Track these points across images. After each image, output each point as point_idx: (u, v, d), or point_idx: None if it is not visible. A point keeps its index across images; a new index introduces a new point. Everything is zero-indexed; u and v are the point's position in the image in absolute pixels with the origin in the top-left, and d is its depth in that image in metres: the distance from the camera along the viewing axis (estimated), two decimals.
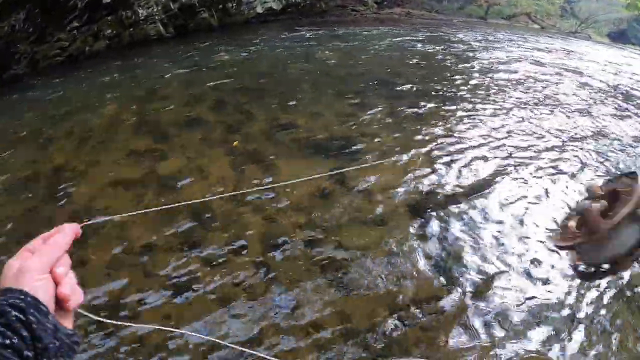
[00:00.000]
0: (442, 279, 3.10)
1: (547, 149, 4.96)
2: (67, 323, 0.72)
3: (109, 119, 6.13)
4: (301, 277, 3.04)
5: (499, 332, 2.74)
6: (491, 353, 2.61)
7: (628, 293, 3.12)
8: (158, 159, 4.67)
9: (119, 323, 2.48)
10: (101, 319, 0.92)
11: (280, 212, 3.66)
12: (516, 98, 6.44)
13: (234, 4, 16.67)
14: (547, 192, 4.15)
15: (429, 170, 4.33)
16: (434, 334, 2.68)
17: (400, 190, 4.00)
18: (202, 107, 6.04)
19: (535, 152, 4.88)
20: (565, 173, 4.50)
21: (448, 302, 2.93)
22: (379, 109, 5.69)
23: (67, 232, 0.78)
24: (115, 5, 15.65)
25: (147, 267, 3.17)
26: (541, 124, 5.59)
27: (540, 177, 4.39)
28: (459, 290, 3.02)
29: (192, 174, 4.31)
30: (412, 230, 3.54)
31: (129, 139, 5.34)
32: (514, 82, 7.19)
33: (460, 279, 3.10)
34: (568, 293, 3.06)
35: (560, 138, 5.29)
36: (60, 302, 0.71)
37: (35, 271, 0.69)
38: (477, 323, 2.78)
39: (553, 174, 4.45)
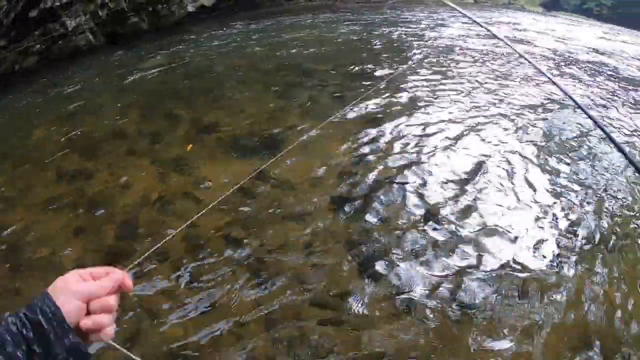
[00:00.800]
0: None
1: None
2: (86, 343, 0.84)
3: (39, 142, 5.99)
4: (223, 280, 3.13)
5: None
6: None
7: None
8: (86, 177, 4.64)
9: None
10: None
11: (203, 215, 3.72)
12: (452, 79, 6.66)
13: (164, 6, 16.32)
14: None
15: (352, 157, 4.47)
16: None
17: (322, 180, 4.13)
18: (130, 118, 5.98)
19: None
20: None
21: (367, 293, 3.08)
22: (303, 98, 5.80)
23: (114, 277, 0.89)
24: (42, 18, 15.15)
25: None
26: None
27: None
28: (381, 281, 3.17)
29: (117, 188, 4.32)
30: (333, 221, 3.65)
31: (59, 160, 5.24)
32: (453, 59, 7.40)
33: (383, 273, 3.25)
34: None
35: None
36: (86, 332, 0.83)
37: (76, 295, 0.82)
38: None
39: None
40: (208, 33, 12.83)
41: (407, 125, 5.09)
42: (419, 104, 5.71)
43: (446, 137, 4.94)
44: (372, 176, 4.21)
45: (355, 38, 9.11)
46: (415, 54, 7.83)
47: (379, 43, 8.66)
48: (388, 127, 5.05)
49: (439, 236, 3.61)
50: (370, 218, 3.74)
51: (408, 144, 4.79)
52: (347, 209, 3.84)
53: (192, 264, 3.32)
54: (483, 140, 4.98)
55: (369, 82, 6.28)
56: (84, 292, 0.84)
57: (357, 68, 6.99)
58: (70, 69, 11.62)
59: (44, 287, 0.82)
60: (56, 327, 0.78)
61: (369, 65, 7.09)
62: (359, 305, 2.99)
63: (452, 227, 3.71)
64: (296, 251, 3.40)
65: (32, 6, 15.16)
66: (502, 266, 3.36)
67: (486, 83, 6.62)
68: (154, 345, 2.76)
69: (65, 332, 0.79)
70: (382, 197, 3.98)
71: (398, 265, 3.30)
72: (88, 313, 0.83)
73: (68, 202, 4.20)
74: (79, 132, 5.75)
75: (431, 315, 2.94)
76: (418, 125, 5.16)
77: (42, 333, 0.77)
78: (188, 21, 16.64)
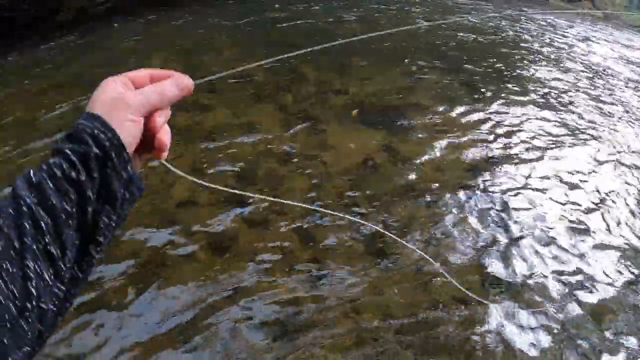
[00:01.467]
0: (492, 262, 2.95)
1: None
2: (136, 169, 0.65)
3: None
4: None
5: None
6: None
7: None
8: (206, 111, 4.58)
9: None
10: (203, 182, 0.89)
11: (326, 177, 3.56)
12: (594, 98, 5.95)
13: None
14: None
15: (482, 147, 4.13)
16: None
17: (452, 165, 3.84)
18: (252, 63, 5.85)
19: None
20: None
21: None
22: (433, 82, 5.44)
23: (180, 82, 0.68)
24: None
25: None
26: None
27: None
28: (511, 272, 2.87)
29: (241, 126, 4.26)
30: (460, 207, 3.37)
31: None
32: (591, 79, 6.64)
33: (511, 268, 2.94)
34: None
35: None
36: (144, 148, 0.65)
37: (132, 109, 0.60)
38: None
39: None
40: None
41: (548, 133, 4.60)
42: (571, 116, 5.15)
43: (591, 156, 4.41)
44: (503, 178, 3.81)
45: (502, 35, 8.28)
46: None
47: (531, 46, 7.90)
48: (527, 129, 4.58)
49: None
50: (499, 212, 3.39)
51: (545, 148, 4.31)
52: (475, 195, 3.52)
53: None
54: None
55: (511, 83, 5.73)
56: (145, 104, 0.61)
57: (500, 65, 6.40)
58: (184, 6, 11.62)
59: None
60: (115, 159, 0.57)
61: (515, 64, 6.48)
62: None
63: None
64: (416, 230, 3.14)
65: None
66: None
67: None
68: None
69: (124, 164, 0.58)
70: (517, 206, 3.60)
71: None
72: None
73: (184, 131, 4.18)
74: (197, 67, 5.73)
75: None
76: (560, 134, 4.65)
77: (99, 171, 0.56)
78: None
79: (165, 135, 0.66)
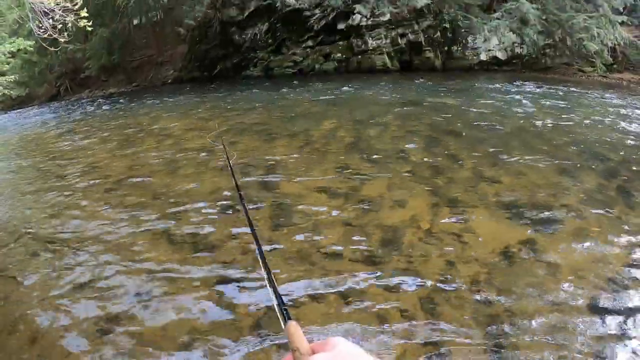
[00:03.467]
0: None
1: None
2: None
3: (328, 132, 6.93)
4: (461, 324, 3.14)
5: None
6: None
7: None
8: (364, 180, 5.20)
9: None
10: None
11: (461, 259, 3.80)
12: None
13: (459, 48, 17.04)
14: None
15: (623, 270, 3.96)
16: None
17: (589, 277, 3.78)
18: (412, 143, 6.46)
19: None
20: None
21: None
22: (588, 183, 5.39)
23: None
24: (348, 32, 17.31)
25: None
26: None
27: None
28: None
29: (391, 201, 4.73)
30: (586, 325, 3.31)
31: (341, 154, 6.03)
32: None
33: None
34: None
35: None
36: None
37: None
38: None
39: None
40: (497, 85, 12.85)
41: None
42: None
43: None
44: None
45: None
46: None
47: None
48: None
49: None
50: None
51: None
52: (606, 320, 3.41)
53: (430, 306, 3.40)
54: None
55: None
56: None
57: None
58: (364, 83, 12.92)
59: None
60: None
61: None
62: None
63: None
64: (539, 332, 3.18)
65: (341, 20, 17.45)
66: None
67: None
68: None
69: None
70: None
71: None
72: None
73: (341, 193, 4.80)
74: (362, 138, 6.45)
75: None
76: None
77: None
78: (477, 69, 17.03)
79: None
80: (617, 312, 3.36)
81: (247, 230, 3.91)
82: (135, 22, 23.25)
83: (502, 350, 2.99)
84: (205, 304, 3.37)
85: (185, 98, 13.43)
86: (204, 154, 6.70)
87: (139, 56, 25.68)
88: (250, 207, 4.71)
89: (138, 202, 5.15)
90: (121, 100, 16.23)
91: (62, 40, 9.42)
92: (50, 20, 9.06)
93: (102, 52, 23.11)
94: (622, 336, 3.10)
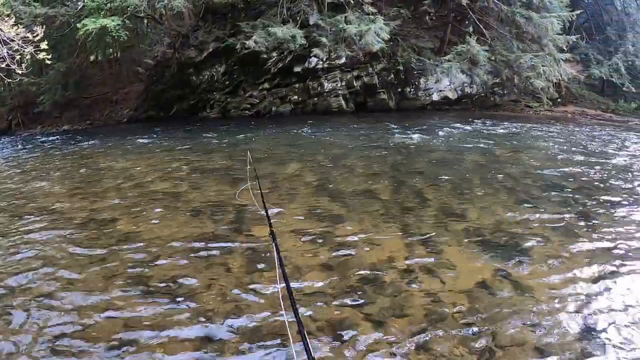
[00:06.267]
0: None
1: None
2: None
3: (293, 175, 6.96)
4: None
5: None
6: None
7: None
8: (335, 221, 5.22)
9: None
10: None
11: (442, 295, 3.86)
12: None
13: (412, 89, 17.76)
14: None
15: (594, 287, 4.14)
16: None
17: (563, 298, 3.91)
18: (378, 183, 6.59)
19: None
20: None
21: None
22: (549, 212, 5.67)
23: None
24: (304, 75, 17.68)
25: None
26: None
27: None
28: None
29: (364, 241, 4.78)
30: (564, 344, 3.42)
31: (309, 198, 6.05)
32: None
33: None
34: None
35: None
36: None
37: None
38: None
39: None
40: (449, 124, 13.37)
41: None
42: None
43: None
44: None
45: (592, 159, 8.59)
46: None
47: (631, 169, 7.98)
48: None
49: None
50: None
51: None
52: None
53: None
54: None
55: (622, 210, 5.80)
56: None
57: (605, 192, 6.53)
58: (320, 125, 13.15)
59: None
60: None
61: (626, 194, 6.56)
62: None
63: None
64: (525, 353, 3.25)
65: (298, 63, 17.84)
66: None
67: None
68: None
69: None
70: None
71: None
72: None
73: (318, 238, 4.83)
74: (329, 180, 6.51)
75: None
76: None
77: None
78: (430, 109, 17.70)
79: None
80: (590, 329, 3.51)
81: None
82: (92, 58, 22.81)
83: None
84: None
85: (142, 138, 13.16)
86: (169, 197, 6.56)
87: (94, 93, 25.11)
88: (224, 251, 4.63)
89: (103, 244, 4.94)
90: (77, 138, 15.72)
91: (20, 72, 9.12)
92: (9, 50, 8.77)
93: (57, 86, 22.17)
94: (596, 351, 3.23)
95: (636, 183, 7.14)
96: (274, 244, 1.72)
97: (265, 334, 3.35)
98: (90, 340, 3.42)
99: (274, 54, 17.44)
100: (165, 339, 3.38)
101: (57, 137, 17.33)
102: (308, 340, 0.90)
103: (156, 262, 4.53)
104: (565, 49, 16.71)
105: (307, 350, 0.85)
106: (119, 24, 15.91)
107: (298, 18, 16.31)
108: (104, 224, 5.58)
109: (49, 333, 3.53)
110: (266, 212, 2.31)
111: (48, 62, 9.58)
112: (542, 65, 15.44)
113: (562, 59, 16.15)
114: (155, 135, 13.75)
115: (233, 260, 4.48)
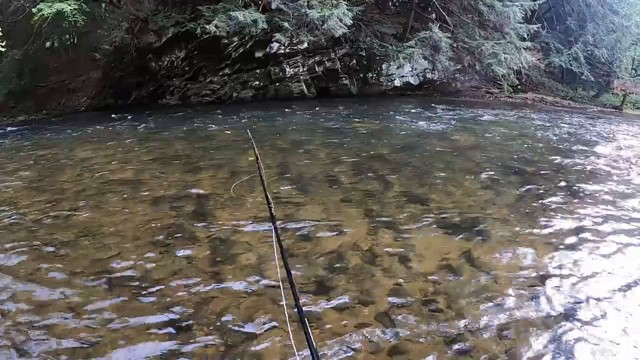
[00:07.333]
0: None
1: None
2: None
3: (253, 162, 6.88)
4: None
5: None
6: None
7: None
8: (298, 207, 5.20)
9: None
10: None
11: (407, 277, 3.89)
12: None
13: (374, 75, 17.75)
14: None
15: (551, 259, 4.31)
16: None
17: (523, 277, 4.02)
18: (341, 169, 6.57)
19: None
20: None
21: None
22: (509, 195, 5.85)
23: None
24: (265, 60, 17.42)
25: None
26: None
27: None
28: None
29: (329, 227, 4.76)
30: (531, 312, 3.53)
31: (270, 184, 5.96)
32: None
33: None
34: None
35: None
36: None
37: None
38: None
39: None
40: (411, 110, 13.48)
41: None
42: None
43: None
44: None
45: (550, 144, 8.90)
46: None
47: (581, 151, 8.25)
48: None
49: None
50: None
51: None
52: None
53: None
54: None
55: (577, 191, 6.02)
56: None
57: (561, 175, 6.77)
58: (282, 110, 13.05)
59: None
60: None
61: (580, 176, 6.80)
62: None
63: None
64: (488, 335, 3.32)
65: (259, 48, 17.55)
66: None
67: None
68: None
69: None
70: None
71: None
72: None
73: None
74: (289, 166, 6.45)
75: None
76: None
77: None
78: (392, 94, 17.77)
79: None
80: (551, 308, 3.62)
81: None
82: (48, 44, 21.74)
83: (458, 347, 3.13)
84: None
85: (101, 127, 12.65)
86: (130, 186, 6.34)
87: (50, 82, 24.02)
88: (187, 244, 4.51)
89: (64, 241, 4.73)
90: (34, 128, 15.03)
91: None
92: None
93: (12, 75, 21.11)
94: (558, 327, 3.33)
95: (589, 167, 7.40)
96: (273, 228, 1.66)
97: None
98: (53, 336, 3.28)
99: (235, 38, 17.04)
100: (131, 331, 3.29)
101: (13, 128, 16.51)
102: (309, 330, 0.86)
103: (118, 253, 4.38)
104: (526, 37, 17.05)
105: (310, 347, 0.81)
106: (75, 8, 15.16)
107: (260, 2, 15.97)
108: (64, 216, 5.37)
109: (10, 330, 3.38)
110: (267, 196, 2.23)
111: (2, 49, 9.03)
112: (504, 53, 15.69)
113: (523, 47, 16.44)
114: (114, 124, 13.30)
115: (197, 249, 4.39)
